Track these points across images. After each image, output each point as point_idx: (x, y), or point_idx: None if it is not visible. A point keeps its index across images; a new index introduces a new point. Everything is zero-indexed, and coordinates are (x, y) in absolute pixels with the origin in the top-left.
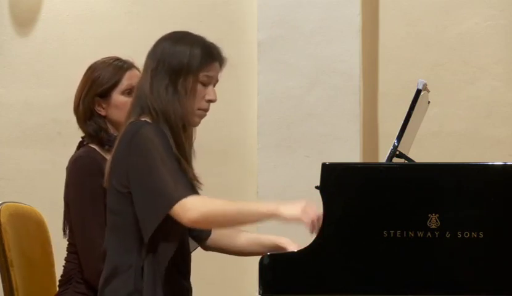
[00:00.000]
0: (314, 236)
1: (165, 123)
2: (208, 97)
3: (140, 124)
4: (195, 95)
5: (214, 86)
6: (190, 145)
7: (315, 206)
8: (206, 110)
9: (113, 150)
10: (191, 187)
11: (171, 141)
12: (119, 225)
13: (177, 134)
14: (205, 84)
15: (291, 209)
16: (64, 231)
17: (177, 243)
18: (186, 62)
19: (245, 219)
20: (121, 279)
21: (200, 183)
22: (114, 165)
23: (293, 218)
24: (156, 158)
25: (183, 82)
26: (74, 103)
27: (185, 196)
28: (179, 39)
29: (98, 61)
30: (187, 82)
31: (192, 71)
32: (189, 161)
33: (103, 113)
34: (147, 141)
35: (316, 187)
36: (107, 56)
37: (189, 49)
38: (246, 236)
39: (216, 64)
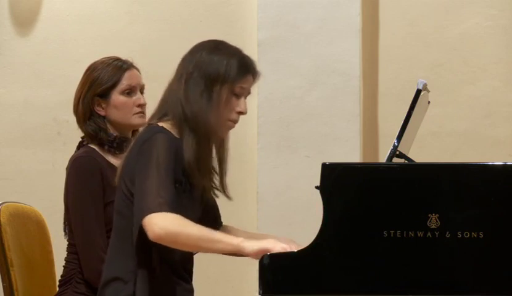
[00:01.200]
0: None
1: (190, 130)
2: (239, 109)
3: (155, 131)
4: (227, 106)
5: (245, 98)
6: (225, 153)
7: (284, 239)
8: (235, 122)
9: (128, 149)
10: (174, 202)
11: (190, 152)
12: (122, 227)
13: (202, 143)
14: (238, 96)
15: (254, 245)
16: (64, 231)
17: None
18: (223, 72)
19: (208, 246)
20: (122, 282)
21: (217, 196)
22: (125, 166)
23: (256, 252)
24: (153, 166)
25: (219, 90)
26: (74, 103)
27: (157, 210)
28: (216, 48)
29: (98, 61)
30: (222, 91)
31: (229, 81)
32: (211, 172)
33: (102, 113)
34: (153, 149)
35: (316, 187)
36: (106, 56)
37: (226, 59)
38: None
39: (250, 76)
